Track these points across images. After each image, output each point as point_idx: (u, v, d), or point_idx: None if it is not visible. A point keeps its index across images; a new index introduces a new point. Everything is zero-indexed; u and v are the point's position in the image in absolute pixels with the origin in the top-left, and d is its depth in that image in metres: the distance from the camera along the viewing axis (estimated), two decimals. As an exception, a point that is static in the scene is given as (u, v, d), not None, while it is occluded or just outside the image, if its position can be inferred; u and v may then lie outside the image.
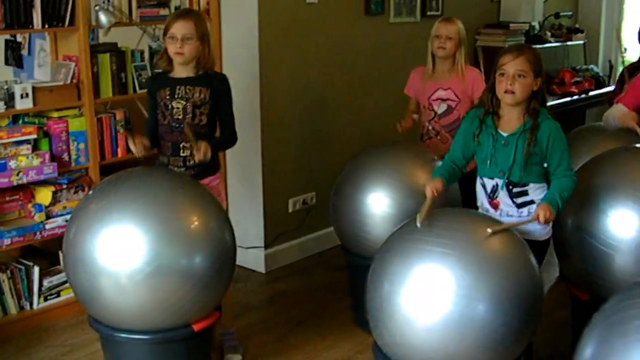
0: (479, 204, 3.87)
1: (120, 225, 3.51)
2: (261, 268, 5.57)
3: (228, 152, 5.48)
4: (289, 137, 5.74)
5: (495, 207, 3.76)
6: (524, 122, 3.65)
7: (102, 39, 5.41)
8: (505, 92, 3.61)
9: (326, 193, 5.75)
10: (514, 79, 3.59)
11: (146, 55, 5.24)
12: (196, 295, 3.57)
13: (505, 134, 3.68)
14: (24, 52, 6.65)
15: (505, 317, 3.13)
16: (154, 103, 4.22)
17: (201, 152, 3.93)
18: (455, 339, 3.12)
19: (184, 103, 4.08)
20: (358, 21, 6.13)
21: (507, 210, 3.74)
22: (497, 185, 3.73)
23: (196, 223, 3.62)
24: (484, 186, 3.79)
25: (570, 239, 3.89)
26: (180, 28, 4.01)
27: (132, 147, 4.11)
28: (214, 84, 4.13)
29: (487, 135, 3.71)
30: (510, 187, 3.71)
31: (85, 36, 4.81)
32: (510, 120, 3.68)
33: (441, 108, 4.90)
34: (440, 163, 4.05)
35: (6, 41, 6.72)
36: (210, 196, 3.82)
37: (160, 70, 4.25)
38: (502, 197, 3.73)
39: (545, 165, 3.67)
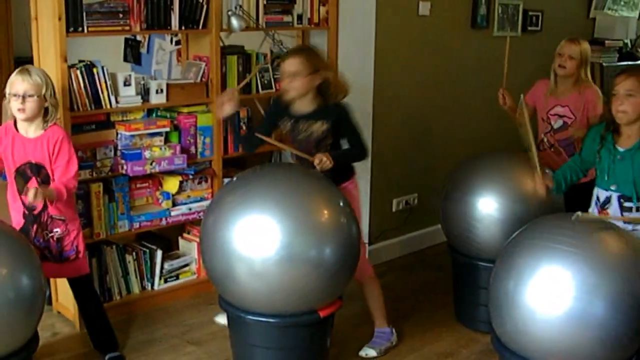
0: (590, 210, 4.11)
1: (256, 215, 3.79)
2: (364, 263, 5.86)
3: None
4: (396, 141, 6.04)
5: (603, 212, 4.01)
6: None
7: (226, 41, 5.73)
8: (617, 111, 3.87)
9: (427, 195, 6.09)
10: (624, 98, 3.84)
11: (269, 58, 5.56)
12: (323, 283, 3.84)
13: (621, 149, 3.93)
14: (143, 50, 7.01)
15: (623, 316, 3.31)
16: (270, 120, 4.52)
17: (317, 161, 4.17)
18: (574, 333, 3.32)
19: (305, 137, 4.35)
20: (465, 34, 6.42)
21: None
22: (609, 197, 3.97)
23: (327, 217, 3.89)
24: (597, 196, 4.04)
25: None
26: (287, 65, 4.27)
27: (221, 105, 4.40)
28: (332, 117, 4.32)
29: (606, 150, 3.97)
30: (622, 200, 3.94)
31: (217, 38, 5.14)
32: (630, 136, 3.93)
33: (557, 123, 5.11)
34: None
35: (126, 39, 7.08)
36: (340, 193, 4.09)
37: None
38: (612, 209, 3.96)
39: None
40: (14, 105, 3.97)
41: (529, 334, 3.44)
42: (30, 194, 3.82)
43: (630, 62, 8.18)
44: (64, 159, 4.07)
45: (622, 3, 8.42)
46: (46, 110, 4.05)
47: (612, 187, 3.97)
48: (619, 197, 3.95)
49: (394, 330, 4.75)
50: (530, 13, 7.00)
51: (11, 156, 4.07)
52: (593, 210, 4.07)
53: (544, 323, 3.38)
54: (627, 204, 3.94)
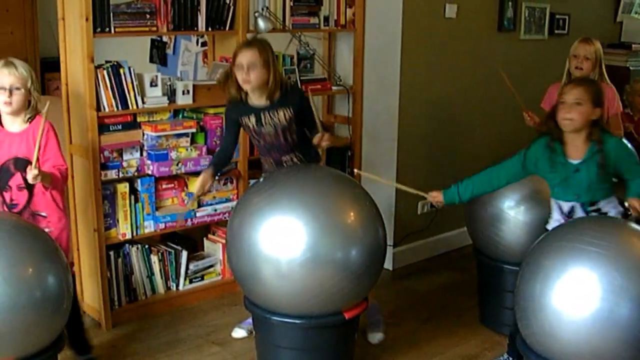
0: (553, 220, 4.13)
1: (282, 217, 3.80)
2: (389, 265, 5.85)
3: (366, 157, 5.82)
4: (422, 144, 6.03)
5: None
6: (589, 147, 3.93)
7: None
8: (564, 119, 3.92)
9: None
10: (571, 107, 3.89)
11: (295, 60, 5.57)
12: (348, 285, 3.83)
13: (575, 162, 3.96)
14: (169, 51, 7.05)
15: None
16: (235, 127, 4.52)
17: (325, 140, 4.26)
18: (600, 335, 3.29)
19: (273, 129, 4.36)
20: (491, 36, 6.40)
21: None
22: (573, 207, 4.02)
23: (353, 219, 3.89)
24: (560, 207, 4.08)
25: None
26: (245, 57, 4.23)
27: (198, 182, 4.47)
28: (293, 103, 4.35)
29: (558, 164, 4.00)
30: (584, 206, 4.00)
31: (244, 40, 5.13)
32: (577, 147, 3.97)
33: None
34: None
35: (152, 40, 7.11)
36: (366, 194, 4.09)
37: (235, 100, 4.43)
38: (578, 215, 4.01)
39: (615, 180, 3.99)
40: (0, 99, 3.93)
41: (555, 336, 3.42)
42: (31, 174, 3.76)
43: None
44: (52, 149, 4.02)
45: (648, 7, 8.38)
46: (29, 103, 4.01)
47: (575, 197, 4.01)
48: (582, 205, 4.00)
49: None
50: (557, 16, 6.96)
51: None
52: (558, 219, 4.09)
53: (570, 324, 3.36)
54: (590, 208, 4.00)
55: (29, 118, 4.02)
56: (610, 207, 3.99)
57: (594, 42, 5.13)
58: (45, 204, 4.06)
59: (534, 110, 5.17)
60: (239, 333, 4.78)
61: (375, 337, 4.71)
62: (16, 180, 4.00)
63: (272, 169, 4.50)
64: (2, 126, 4.03)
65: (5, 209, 4.02)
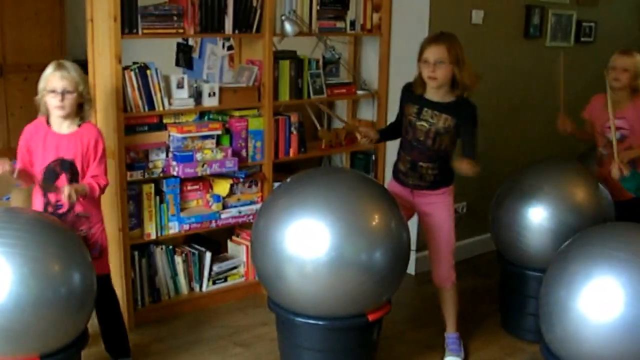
0: None
1: (308, 218, 3.80)
2: (411, 270, 5.84)
3: (390, 161, 5.78)
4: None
5: None
6: None
7: (278, 46, 5.76)
8: None
9: (476, 203, 6.07)
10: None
11: (320, 64, 5.58)
12: (372, 287, 3.84)
13: None
14: (195, 55, 7.08)
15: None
16: (401, 111, 4.48)
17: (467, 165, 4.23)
18: (625, 340, 3.29)
19: (427, 127, 4.31)
20: (517, 43, 6.39)
21: None
22: None
23: (377, 221, 3.89)
24: None
25: None
26: (432, 52, 4.19)
27: (358, 135, 4.49)
28: (460, 115, 4.26)
29: None
30: None
31: (270, 43, 5.18)
32: None
33: (615, 136, 5.03)
34: None
35: (178, 44, 7.15)
36: (391, 198, 4.09)
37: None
38: None
39: None
40: (52, 102, 3.92)
41: (579, 341, 3.42)
42: (65, 193, 3.80)
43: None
44: (97, 157, 4.06)
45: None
46: (80, 106, 4.04)
47: None
48: None
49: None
50: (584, 24, 6.94)
51: (42, 152, 4.00)
52: None
53: (594, 330, 3.36)
54: None
55: (79, 121, 4.05)
56: None
57: (633, 53, 5.08)
58: (89, 205, 4.10)
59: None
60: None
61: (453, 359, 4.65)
62: (62, 181, 4.01)
63: (405, 170, 4.46)
64: (50, 127, 4.04)
65: (51, 209, 4.04)
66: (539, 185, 4.68)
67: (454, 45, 4.20)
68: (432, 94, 4.28)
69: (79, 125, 4.05)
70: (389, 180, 4.66)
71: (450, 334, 4.68)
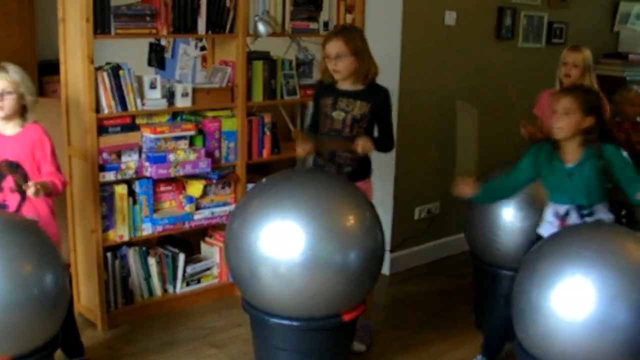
0: (546, 222, 4.18)
1: (282, 219, 3.78)
2: (385, 270, 5.85)
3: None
4: (420, 150, 6.05)
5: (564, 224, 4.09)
6: (584, 152, 3.99)
7: (251, 47, 5.75)
8: (554, 128, 4.01)
9: (450, 203, 6.08)
10: (561, 115, 3.97)
11: (294, 64, 5.58)
12: (347, 287, 3.82)
13: (570, 165, 4.03)
14: (167, 55, 7.06)
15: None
16: (317, 108, 4.55)
17: (360, 146, 4.30)
18: (597, 338, 3.31)
19: (344, 115, 4.40)
20: (490, 44, 6.43)
21: None
22: (568, 210, 4.07)
23: (352, 222, 3.88)
24: (556, 211, 4.12)
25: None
26: (332, 47, 4.34)
27: (298, 147, 4.46)
28: (375, 99, 4.41)
29: (553, 167, 4.07)
30: (580, 209, 4.04)
31: (244, 44, 5.16)
32: (572, 151, 4.03)
33: None
34: None
35: (150, 44, 7.13)
36: (364, 197, 4.09)
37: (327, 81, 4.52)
38: (572, 220, 4.05)
39: (610, 185, 4.03)
40: None
41: (551, 339, 3.44)
42: (31, 190, 3.78)
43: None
44: (47, 156, 4.03)
45: (645, 19, 8.42)
46: (24, 108, 4.02)
47: (570, 201, 4.05)
48: (577, 208, 4.05)
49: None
50: (555, 25, 6.99)
51: None
52: (553, 223, 4.13)
53: (566, 328, 3.38)
54: (585, 212, 4.04)
55: (23, 122, 4.04)
56: (603, 214, 4.04)
57: (583, 49, 5.19)
58: (38, 207, 4.06)
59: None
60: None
61: (356, 346, 4.64)
62: (7, 183, 3.99)
63: (324, 163, 4.52)
64: None
65: None
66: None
67: (352, 37, 4.36)
68: (343, 84, 4.42)
69: (23, 126, 4.04)
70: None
71: (365, 322, 4.69)
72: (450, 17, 5.95)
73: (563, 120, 3.96)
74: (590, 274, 3.37)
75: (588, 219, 4.02)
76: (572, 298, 3.37)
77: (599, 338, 3.32)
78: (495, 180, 4.42)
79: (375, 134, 4.52)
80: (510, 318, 3.75)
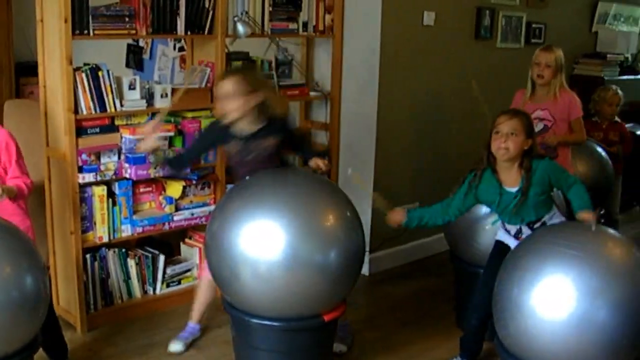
0: (501, 239, 4.30)
1: (262, 219, 3.79)
2: (365, 271, 5.85)
3: (342, 163, 5.84)
4: (399, 150, 6.06)
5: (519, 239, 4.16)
6: (522, 175, 4.07)
7: (230, 47, 5.74)
8: (499, 148, 4.05)
9: (429, 203, 6.02)
10: (507, 137, 4.02)
11: (273, 65, 5.58)
12: (327, 287, 3.84)
13: (513, 190, 4.09)
14: (146, 56, 7.03)
15: (626, 319, 3.35)
16: (204, 143, 4.51)
17: (318, 166, 4.32)
18: (577, 336, 3.35)
19: (262, 153, 4.32)
20: (468, 44, 6.45)
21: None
22: (520, 228, 4.18)
23: (332, 222, 3.89)
24: (508, 230, 4.24)
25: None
26: (220, 88, 4.23)
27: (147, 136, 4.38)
28: (279, 131, 4.32)
29: (494, 193, 4.13)
30: (530, 224, 4.14)
31: (223, 44, 5.15)
32: (511, 174, 4.11)
33: (538, 127, 5.14)
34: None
35: (129, 45, 7.10)
36: (345, 197, 4.09)
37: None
38: (525, 232, 4.14)
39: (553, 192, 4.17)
40: None
41: (532, 337, 3.47)
42: None
43: (631, 77, 8.25)
44: (13, 159, 4.01)
45: (622, 19, 8.46)
46: None
47: (520, 221, 4.16)
48: (528, 225, 4.15)
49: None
50: (534, 25, 7.03)
51: None
52: (506, 239, 4.25)
53: (546, 326, 3.41)
54: (535, 225, 4.14)
55: None
56: (555, 219, 4.13)
57: (555, 50, 5.27)
58: (9, 210, 4.03)
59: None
60: (175, 347, 4.67)
61: (337, 347, 4.63)
62: None
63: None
64: None
65: None
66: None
67: (242, 78, 4.23)
68: (243, 126, 4.28)
69: None
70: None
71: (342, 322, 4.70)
72: (429, 18, 5.96)
73: (510, 140, 4.01)
74: (571, 273, 3.40)
75: (537, 227, 4.12)
76: (552, 297, 3.41)
77: (579, 336, 3.35)
78: (430, 206, 4.42)
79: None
80: (486, 317, 3.77)
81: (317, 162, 4.31)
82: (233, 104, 4.18)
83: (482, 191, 4.17)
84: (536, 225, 4.11)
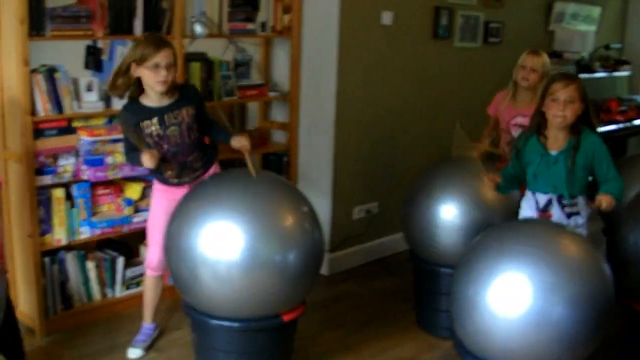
0: (526, 215, 4.28)
1: (220, 220, 3.80)
2: (325, 271, 5.87)
3: (302, 163, 5.85)
4: (358, 150, 6.07)
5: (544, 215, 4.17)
6: (569, 140, 4.09)
7: (188, 48, 5.72)
8: (556, 116, 4.05)
9: (388, 203, 6.13)
10: (565, 104, 4.02)
11: (232, 65, 5.57)
12: (286, 288, 3.86)
13: (554, 153, 4.11)
14: (105, 57, 6.97)
15: (581, 315, 3.40)
16: (137, 133, 4.31)
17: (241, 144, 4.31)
18: (533, 333, 3.39)
19: (178, 128, 4.32)
20: (427, 44, 6.47)
21: (558, 221, 4.16)
22: (550, 200, 4.16)
23: (291, 222, 3.90)
24: (537, 201, 4.21)
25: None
26: (164, 57, 4.16)
27: (147, 160, 4.22)
28: (192, 99, 4.36)
29: (537, 155, 4.15)
30: (561, 200, 4.13)
31: (181, 45, 5.13)
32: (558, 139, 4.13)
33: (517, 133, 5.11)
34: None
35: (87, 47, 7.03)
36: (304, 198, 4.11)
37: (131, 100, 4.35)
38: (554, 210, 4.14)
39: (590, 178, 4.14)
40: None
41: (489, 335, 3.51)
42: None
43: (586, 75, 8.34)
44: None
45: (580, 19, 8.55)
46: None
47: (552, 189, 4.15)
48: (558, 198, 4.15)
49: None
50: (491, 25, 7.07)
51: None
52: (533, 213, 4.23)
53: (504, 324, 3.45)
54: (564, 202, 4.14)
55: None
56: (582, 206, 4.16)
57: (542, 54, 5.25)
58: None
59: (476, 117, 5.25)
60: (134, 353, 4.64)
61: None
62: None
63: (176, 174, 4.45)
64: None
65: None
66: (448, 183, 4.76)
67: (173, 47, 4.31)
68: (158, 100, 4.28)
69: None
70: (156, 190, 4.62)
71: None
72: (387, 17, 5.97)
73: (568, 108, 4.02)
74: (526, 270, 3.45)
75: (568, 210, 4.13)
76: (508, 294, 3.45)
77: (536, 333, 3.39)
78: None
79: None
80: None
81: (241, 141, 4.30)
82: (172, 74, 4.20)
83: (526, 152, 4.22)
84: (566, 202, 4.11)
